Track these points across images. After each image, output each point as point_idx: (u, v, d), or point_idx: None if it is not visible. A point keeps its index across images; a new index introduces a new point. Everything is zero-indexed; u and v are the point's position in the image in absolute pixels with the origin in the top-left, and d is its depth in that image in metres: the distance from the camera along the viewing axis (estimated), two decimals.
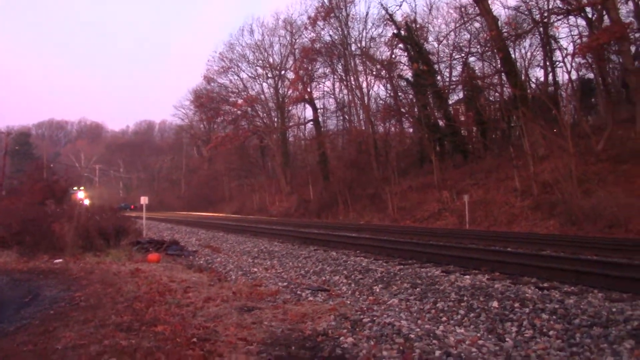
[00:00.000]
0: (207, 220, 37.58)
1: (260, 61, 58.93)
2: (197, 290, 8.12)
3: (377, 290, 8.29)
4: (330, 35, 47.42)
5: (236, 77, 60.95)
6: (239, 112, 59.61)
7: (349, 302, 7.36)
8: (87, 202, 38.36)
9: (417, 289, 8.04)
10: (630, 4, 29.15)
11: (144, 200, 21.81)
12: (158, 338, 5.12)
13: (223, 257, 14.00)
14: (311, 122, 54.90)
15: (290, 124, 60.69)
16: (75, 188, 52.89)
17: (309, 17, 48.33)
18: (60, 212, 16.46)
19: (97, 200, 43.99)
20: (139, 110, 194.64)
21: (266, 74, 59.43)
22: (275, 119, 59.20)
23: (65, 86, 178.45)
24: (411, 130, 46.29)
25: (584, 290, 7.32)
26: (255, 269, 11.29)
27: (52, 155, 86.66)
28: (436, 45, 42.07)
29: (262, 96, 59.61)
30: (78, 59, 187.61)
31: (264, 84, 60.22)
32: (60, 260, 12.50)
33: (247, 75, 60.57)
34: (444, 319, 6.29)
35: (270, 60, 58.69)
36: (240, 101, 59.12)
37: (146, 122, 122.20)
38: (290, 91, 55.78)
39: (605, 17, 27.32)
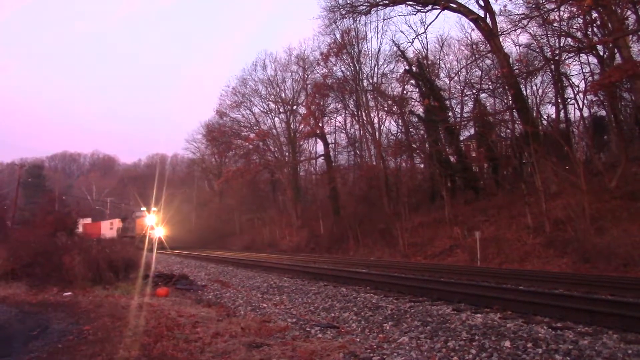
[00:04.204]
0: (216, 255, 37.48)
1: (273, 96, 59.41)
2: (206, 326, 8.08)
3: (387, 327, 8.18)
4: (342, 71, 47.86)
5: (248, 112, 61.46)
6: (250, 146, 59.92)
7: (358, 339, 7.27)
8: (160, 232, 26.05)
9: (428, 327, 7.92)
10: None
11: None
12: None
13: (232, 292, 13.92)
14: (322, 157, 55.15)
15: (302, 158, 60.87)
16: (143, 209, 46.10)
17: (322, 53, 48.74)
18: (70, 244, 16.51)
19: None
20: (152, 144, 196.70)
21: (278, 108, 59.91)
22: (287, 154, 59.39)
23: (78, 119, 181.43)
24: (422, 166, 46.27)
25: (598, 330, 7.19)
26: (265, 305, 11.21)
27: (65, 188, 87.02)
28: (447, 82, 42.55)
29: (274, 131, 59.99)
30: (92, 93, 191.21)
31: (276, 119, 60.71)
32: (70, 293, 12.51)
33: (259, 109, 61.05)
34: (455, 358, 6.17)
35: (283, 95, 59.26)
36: (252, 135, 59.48)
37: (158, 155, 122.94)
38: (301, 126, 56.14)
39: (617, 55, 27.41)
